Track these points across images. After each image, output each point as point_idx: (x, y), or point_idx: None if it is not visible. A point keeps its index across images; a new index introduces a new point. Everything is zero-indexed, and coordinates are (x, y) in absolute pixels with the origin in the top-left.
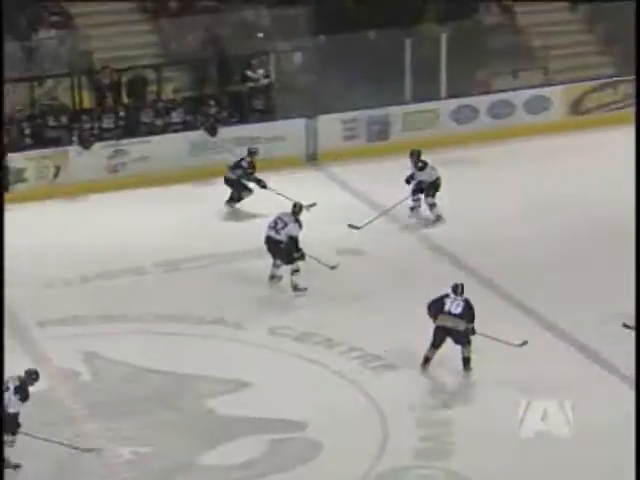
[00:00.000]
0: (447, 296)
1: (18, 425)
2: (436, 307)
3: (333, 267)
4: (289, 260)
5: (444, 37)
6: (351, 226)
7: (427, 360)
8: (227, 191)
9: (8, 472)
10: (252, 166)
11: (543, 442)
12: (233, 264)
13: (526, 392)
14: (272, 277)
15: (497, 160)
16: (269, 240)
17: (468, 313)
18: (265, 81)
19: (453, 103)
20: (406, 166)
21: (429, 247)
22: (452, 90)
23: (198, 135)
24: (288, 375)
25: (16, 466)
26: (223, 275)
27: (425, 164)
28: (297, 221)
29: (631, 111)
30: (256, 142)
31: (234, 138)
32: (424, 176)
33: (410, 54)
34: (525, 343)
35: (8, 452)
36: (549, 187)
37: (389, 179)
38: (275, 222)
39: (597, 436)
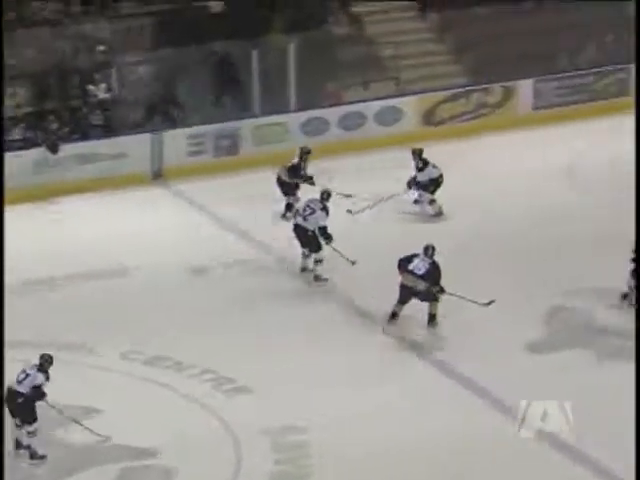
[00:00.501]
0: (416, 255)
1: (43, 394)
2: (403, 264)
3: (353, 262)
4: (317, 248)
5: (292, 48)
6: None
7: (394, 315)
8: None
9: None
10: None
11: (398, 460)
12: (82, 286)
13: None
14: (303, 269)
15: (348, 172)
16: (297, 228)
17: (432, 275)
18: (106, 95)
19: (303, 115)
20: (258, 180)
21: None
22: (302, 102)
23: (39, 152)
24: (139, 401)
25: (42, 457)
26: (70, 298)
27: (425, 164)
28: (325, 208)
29: (484, 120)
30: (98, 159)
31: (75, 155)
32: (421, 177)
33: (257, 66)
34: (492, 302)
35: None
36: None
37: (239, 194)
38: (304, 209)
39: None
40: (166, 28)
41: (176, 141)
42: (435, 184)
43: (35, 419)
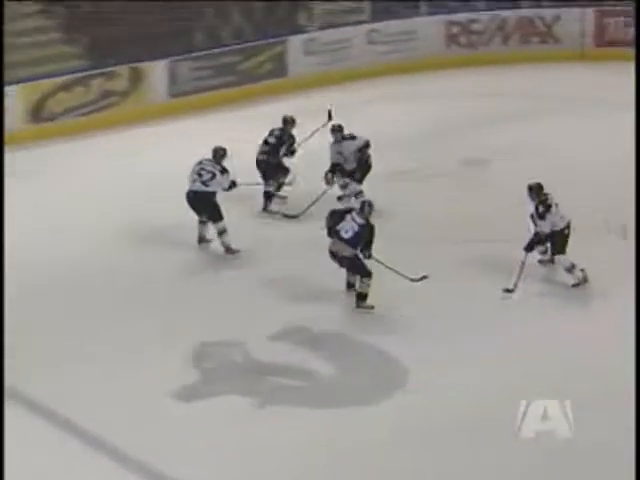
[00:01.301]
0: (349, 212)
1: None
2: (331, 223)
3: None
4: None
5: None
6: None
7: (349, 285)
8: None
9: None
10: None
11: None
12: None
13: None
14: (201, 240)
15: None
16: (196, 194)
17: (359, 239)
18: None
19: None
20: None
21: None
22: None
23: None
24: None
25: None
26: None
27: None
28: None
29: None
30: None
31: None
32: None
33: None
34: (425, 277)
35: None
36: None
37: None
38: (199, 173)
39: None
40: None
41: None
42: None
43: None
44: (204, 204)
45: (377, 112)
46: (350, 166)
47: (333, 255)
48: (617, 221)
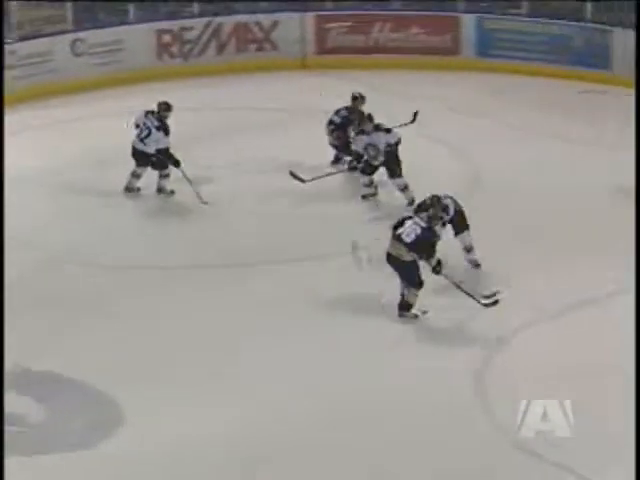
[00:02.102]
0: (410, 218)
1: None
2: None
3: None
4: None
5: None
6: (294, 175)
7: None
8: None
9: None
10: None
11: None
12: None
13: None
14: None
15: None
16: (135, 152)
17: (419, 243)
18: None
19: None
20: None
21: None
22: None
23: None
24: None
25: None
26: None
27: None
28: (161, 127)
29: None
30: None
31: None
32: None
33: None
34: (496, 302)
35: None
36: None
37: None
38: (137, 124)
39: None
40: None
41: None
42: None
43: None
44: (144, 160)
45: (88, 129)
46: (378, 161)
47: (390, 258)
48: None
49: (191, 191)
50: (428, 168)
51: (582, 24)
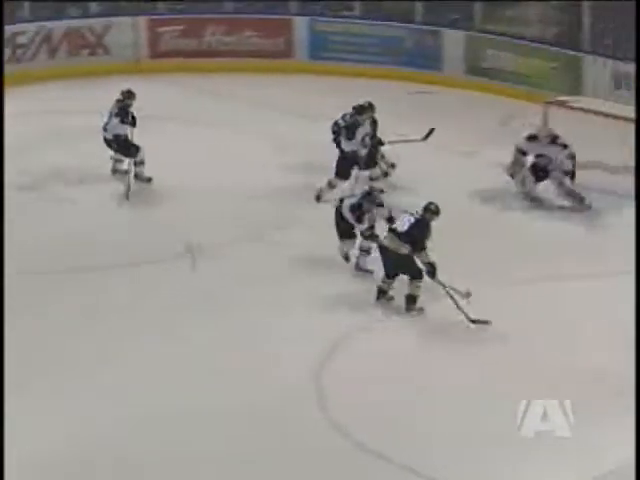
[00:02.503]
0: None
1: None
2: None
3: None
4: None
5: None
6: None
7: (380, 292)
8: None
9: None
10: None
11: None
12: None
13: None
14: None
15: None
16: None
17: (412, 234)
18: None
19: None
20: None
21: None
22: None
23: None
24: None
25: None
26: None
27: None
28: (119, 114)
29: None
30: None
31: None
32: None
33: None
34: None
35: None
36: None
37: None
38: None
39: None
40: None
41: None
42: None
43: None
44: (115, 145)
45: None
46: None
47: (387, 252)
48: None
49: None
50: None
51: (413, 26)
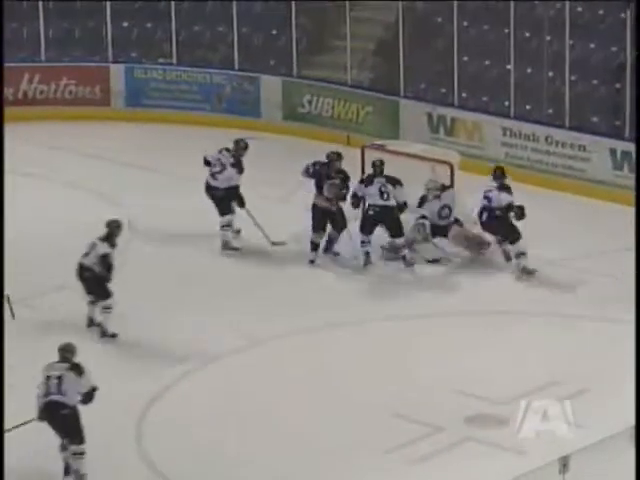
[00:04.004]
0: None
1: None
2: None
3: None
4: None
5: None
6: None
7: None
8: None
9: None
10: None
11: None
12: None
13: None
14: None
15: None
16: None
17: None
18: None
19: None
20: None
21: None
22: None
23: None
24: None
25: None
26: None
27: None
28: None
29: None
30: None
31: None
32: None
33: None
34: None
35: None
36: None
37: None
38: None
39: None
40: None
41: None
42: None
43: (108, 295)
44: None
45: None
46: None
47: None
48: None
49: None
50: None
51: (231, 72)
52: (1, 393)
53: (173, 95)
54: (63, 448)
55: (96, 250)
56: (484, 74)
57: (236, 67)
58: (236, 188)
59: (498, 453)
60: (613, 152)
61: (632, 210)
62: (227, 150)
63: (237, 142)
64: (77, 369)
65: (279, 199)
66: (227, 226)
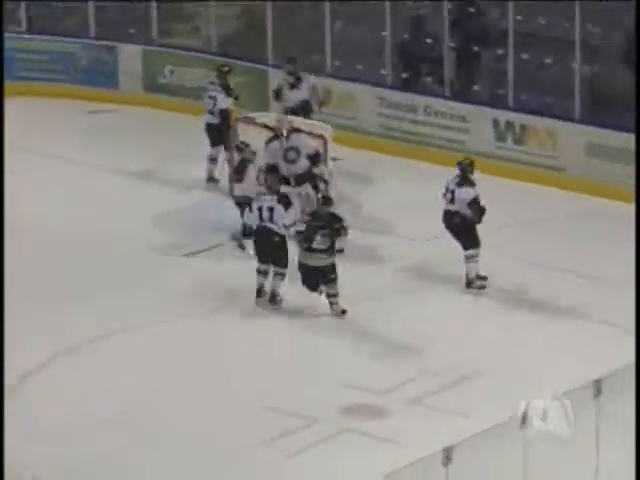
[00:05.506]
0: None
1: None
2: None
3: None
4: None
5: None
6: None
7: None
8: None
9: None
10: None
11: None
12: None
13: None
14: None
15: None
16: None
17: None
18: None
19: None
20: None
21: None
22: None
23: None
24: None
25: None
26: None
27: None
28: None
29: None
30: None
31: None
32: None
33: None
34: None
35: None
36: None
37: None
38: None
39: None
40: None
41: None
42: None
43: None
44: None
45: None
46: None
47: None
48: None
49: None
50: None
51: (87, 41)
52: (1, 393)
53: (23, 65)
54: (260, 271)
55: None
56: (359, 41)
57: (92, 36)
58: (226, 110)
59: (377, 445)
60: (496, 122)
61: (515, 184)
62: (212, 83)
63: (219, 69)
64: (285, 201)
65: (139, 174)
66: (214, 160)
